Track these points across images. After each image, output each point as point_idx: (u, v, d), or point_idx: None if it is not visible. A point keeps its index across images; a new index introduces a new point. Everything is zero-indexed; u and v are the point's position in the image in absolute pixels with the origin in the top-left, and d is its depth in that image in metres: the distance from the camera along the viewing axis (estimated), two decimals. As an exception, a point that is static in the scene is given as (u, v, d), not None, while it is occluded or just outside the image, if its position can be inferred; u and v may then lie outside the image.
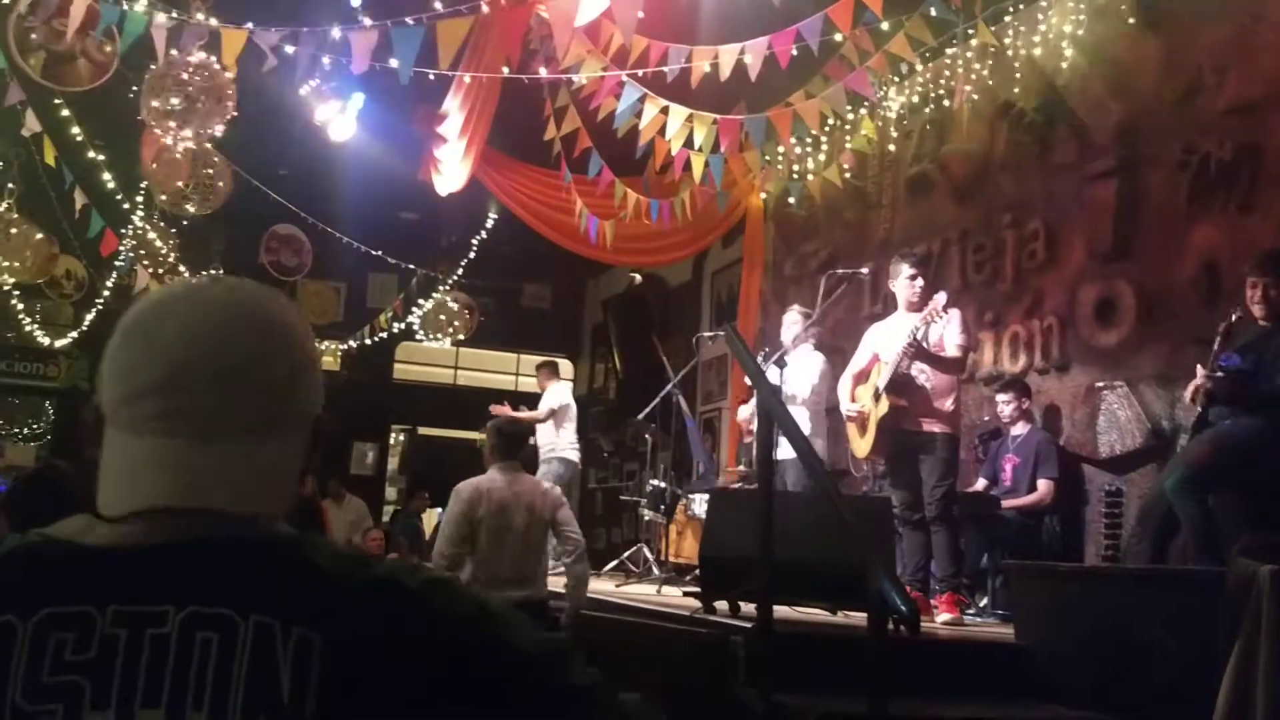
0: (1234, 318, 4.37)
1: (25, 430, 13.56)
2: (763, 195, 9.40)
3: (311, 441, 0.93)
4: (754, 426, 7.05)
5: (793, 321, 6.48)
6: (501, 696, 0.84)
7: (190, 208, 6.75)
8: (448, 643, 0.83)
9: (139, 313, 0.90)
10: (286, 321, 0.91)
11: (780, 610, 3.84)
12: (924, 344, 5.05)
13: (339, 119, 7.26)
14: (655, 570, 7.22)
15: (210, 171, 6.61)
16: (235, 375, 0.86)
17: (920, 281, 5.28)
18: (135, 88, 6.14)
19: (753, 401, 7.22)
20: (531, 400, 9.19)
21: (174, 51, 5.63)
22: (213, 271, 10.85)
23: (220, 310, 0.88)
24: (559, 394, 8.89)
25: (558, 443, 8.65)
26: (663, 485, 7.52)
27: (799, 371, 6.30)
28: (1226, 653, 3.12)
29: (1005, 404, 6.09)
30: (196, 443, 0.85)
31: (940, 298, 5.02)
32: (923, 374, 5.11)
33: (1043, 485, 5.83)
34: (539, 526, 4.74)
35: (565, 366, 13.95)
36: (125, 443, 0.86)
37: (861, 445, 5.33)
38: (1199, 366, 4.45)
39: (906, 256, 5.42)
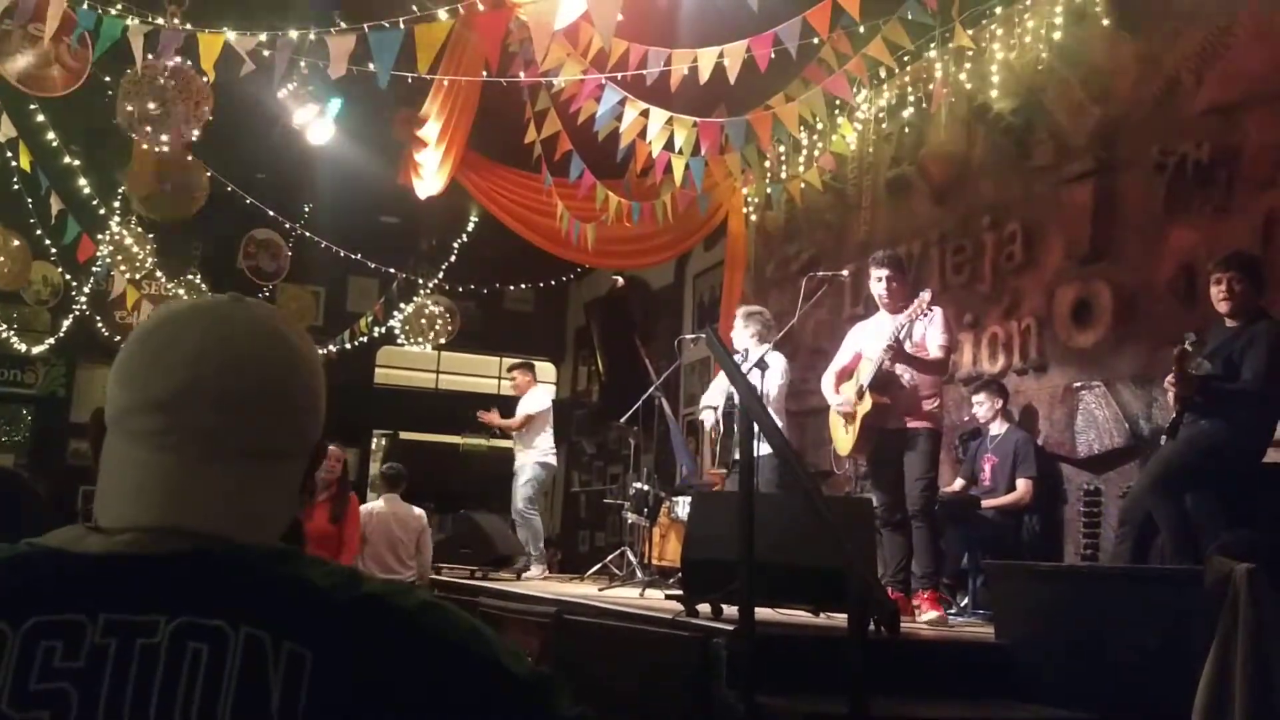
0: (1187, 343, 4.38)
1: (3, 438, 13.43)
2: (744, 196, 9.42)
3: (310, 467, 0.94)
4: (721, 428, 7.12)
5: (745, 327, 6.45)
6: (491, 717, 0.83)
7: (167, 214, 6.70)
8: (438, 664, 0.83)
9: (156, 324, 0.90)
10: (301, 351, 0.91)
11: (762, 612, 3.84)
12: (905, 344, 5.06)
13: (317, 122, 7.24)
14: (638, 573, 7.22)
15: (183, 181, 6.57)
16: (242, 399, 0.86)
17: (892, 284, 5.29)
18: (110, 92, 6.10)
19: (706, 398, 7.29)
20: (511, 403, 9.16)
21: (150, 56, 5.60)
22: (192, 277, 10.82)
23: (237, 333, 0.88)
24: (537, 399, 8.82)
25: (535, 447, 8.59)
26: (646, 488, 7.51)
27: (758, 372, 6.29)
28: (1204, 651, 3.14)
29: (980, 404, 6.16)
30: (195, 463, 0.85)
31: (925, 295, 5.04)
32: (907, 371, 5.13)
33: (1021, 485, 5.87)
34: (411, 538, 7.30)
35: (545, 369, 13.95)
36: (125, 453, 0.86)
37: (844, 442, 5.33)
38: (1169, 377, 4.47)
39: (875, 258, 5.44)
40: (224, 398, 0.85)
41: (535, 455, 8.55)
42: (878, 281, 5.35)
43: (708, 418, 6.78)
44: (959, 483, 6.27)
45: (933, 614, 4.87)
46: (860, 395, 5.16)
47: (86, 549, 0.83)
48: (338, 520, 6.70)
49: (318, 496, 6.60)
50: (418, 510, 7.47)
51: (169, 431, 0.85)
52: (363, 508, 7.31)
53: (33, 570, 0.83)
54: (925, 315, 5.04)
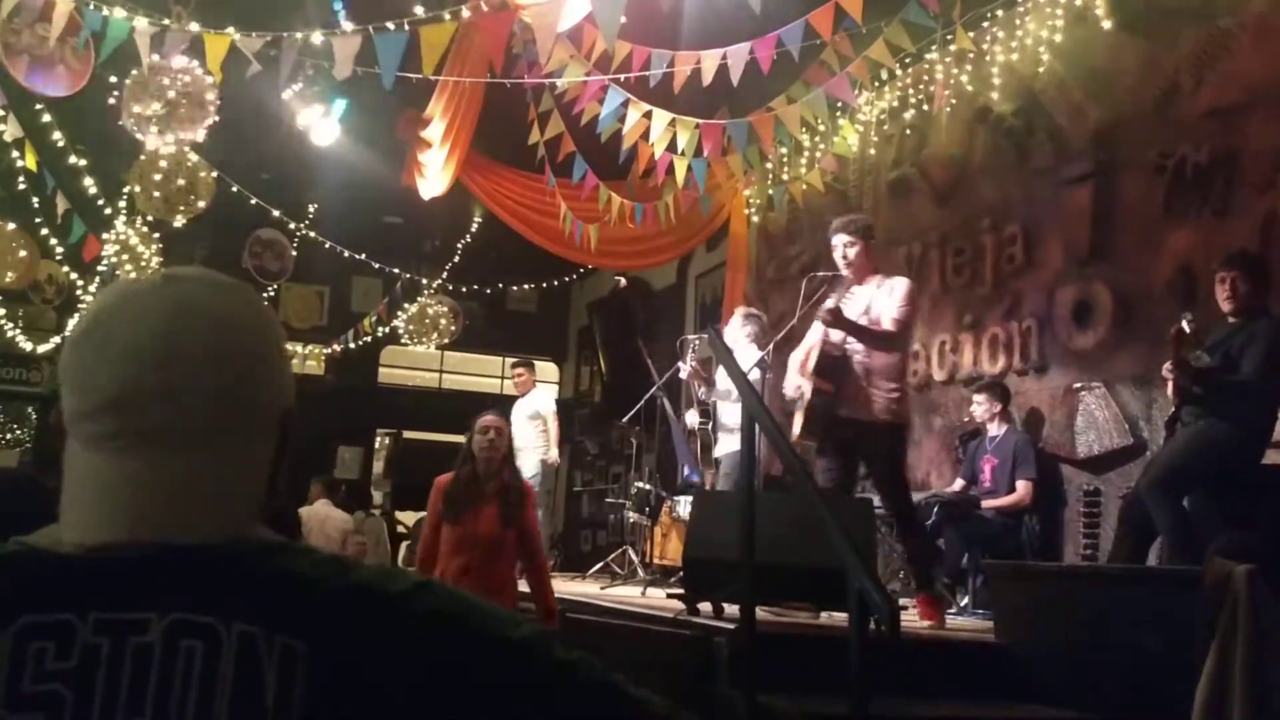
0: (1184, 322, 4.39)
1: (9, 436, 13.48)
2: (746, 197, 9.44)
3: (281, 441, 0.90)
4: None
5: (743, 326, 6.50)
6: (491, 691, 0.83)
7: (173, 213, 6.73)
8: (432, 645, 0.83)
9: (88, 322, 0.87)
10: (236, 319, 0.87)
11: (763, 612, 3.87)
12: (858, 316, 4.66)
13: (322, 123, 7.26)
14: (640, 573, 7.24)
15: (189, 181, 6.59)
16: (183, 387, 0.83)
17: (849, 251, 4.84)
18: (116, 93, 6.13)
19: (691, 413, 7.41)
20: (513, 402, 9.21)
21: (156, 57, 5.63)
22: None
23: (165, 317, 0.85)
24: (546, 400, 8.93)
25: (540, 445, 8.68)
26: (648, 487, 7.54)
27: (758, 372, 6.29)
28: (1204, 651, 3.16)
29: (979, 404, 6.16)
30: (148, 463, 0.83)
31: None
32: (858, 354, 4.72)
33: (1021, 486, 5.88)
34: (338, 539, 8.51)
35: (548, 368, 13.97)
36: (82, 458, 0.85)
37: (795, 427, 4.99)
38: (1167, 364, 4.47)
39: (836, 224, 4.98)
40: (161, 391, 0.82)
41: (542, 452, 8.63)
42: (839, 250, 4.88)
43: (691, 417, 7.22)
44: (959, 483, 6.28)
45: (928, 622, 4.58)
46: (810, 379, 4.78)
47: (72, 548, 0.83)
48: (513, 520, 4.47)
49: (484, 488, 4.52)
50: (345, 515, 9.07)
51: (116, 434, 0.83)
52: (302, 510, 8.09)
53: (21, 569, 0.82)
54: (885, 285, 4.71)
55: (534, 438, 8.68)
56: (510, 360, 10.33)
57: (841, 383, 4.71)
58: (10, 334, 11.35)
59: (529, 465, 8.68)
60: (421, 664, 0.82)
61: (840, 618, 3.93)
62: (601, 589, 6.78)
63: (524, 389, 8.93)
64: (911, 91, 7.39)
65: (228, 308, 0.88)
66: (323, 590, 0.82)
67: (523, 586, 4.71)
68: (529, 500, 4.68)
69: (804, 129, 7.23)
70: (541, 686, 0.85)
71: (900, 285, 4.81)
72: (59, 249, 9.70)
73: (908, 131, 7.70)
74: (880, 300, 4.75)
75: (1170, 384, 4.50)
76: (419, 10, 5.60)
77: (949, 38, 6.42)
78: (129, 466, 0.83)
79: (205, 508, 0.83)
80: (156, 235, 9.25)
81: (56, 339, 11.57)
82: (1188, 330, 4.37)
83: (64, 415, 0.86)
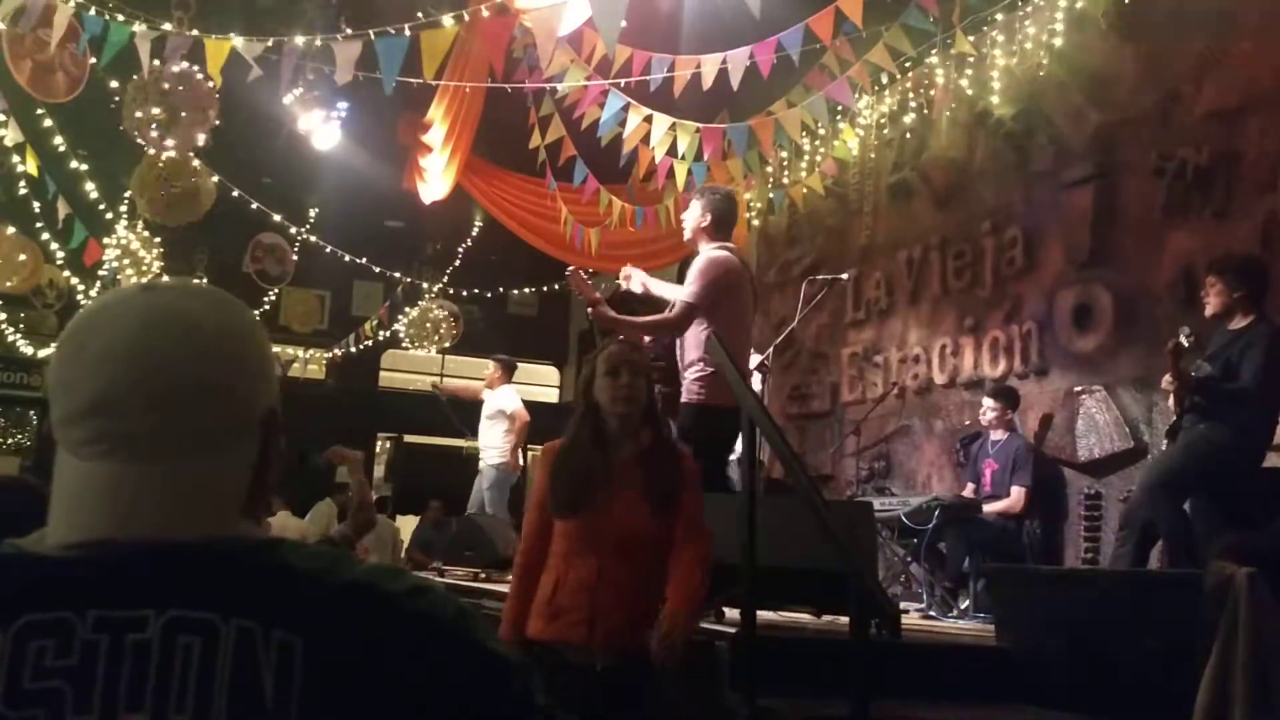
0: (1182, 336, 4.38)
1: (10, 441, 13.48)
2: (747, 201, 9.45)
3: (265, 443, 0.90)
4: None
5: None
6: (478, 699, 0.84)
7: (174, 218, 6.75)
8: (427, 646, 0.84)
9: (70, 331, 0.88)
10: (210, 324, 0.88)
11: (764, 614, 3.87)
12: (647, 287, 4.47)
13: (323, 128, 7.28)
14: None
15: (190, 186, 6.60)
16: (155, 391, 0.83)
17: (687, 216, 4.66)
18: (117, 98, 6.15)
19: None
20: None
21: (157, 62, 5.65)
22: (199, 282, 10.85)
23: (140, 324, 0.85)
24: (509, 398, 8.41)
25: (496, 447, 8.24)
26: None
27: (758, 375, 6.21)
28: (1205, 654, 3.16)
29: (991, 410, 6.08)
30: (129, 466, 0.83)
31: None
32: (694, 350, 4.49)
33: (1015, 492, 5.85)
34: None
35: (549, 372, 13.97)
36: (67, 464, 0.86)
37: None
38: (1166, 376, 4.48)
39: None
40: (136, 397, 0.83)
41: (498, 455, 8.21)
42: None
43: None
44: (970, 487, 6.24)
45: None
46: None
47: (66, 551, 0.83)
48: (666, 506, 2.88)
49: (618, 458, 2.88)
50: (301, 523, 9.34)
51: (94, 440, 0.83)
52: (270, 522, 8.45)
53: (17, 571, 0.83)
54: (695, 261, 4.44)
55: (495, 439, 8.23)
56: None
57: (671, 370, 4.56)
58: (11, 339, 11.37)
59: (486, 471, 8.35)
60: (415, 664, 0.82)
61: (841, 621, 3.92)
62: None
63: (490, 384, 8.41)
64: (911, 95, 7.40)
65: (203, 313, 0.88)
66: (320, 586, 0.83)
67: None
68: (685, 469, 2.98)
69: (804, 133, 7.24)
70: (519, 707, 0.87)
71: (699, 261, 4.48)
72: (60, 254, 9.72)
73: (908, 135, 7.71)
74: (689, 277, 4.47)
75: (1171, 395, 4.50)
76: (420, 15, 5.61)
77: (949, 42, 6.44)
78: (106, 469, 0.83)
79: (181, 508, 0.84)
80: (158, 240, 9.28)
81: (57, 344, 11.59)
82: (1185, 344, 4.36)
83: (52, 423, 0.87)
